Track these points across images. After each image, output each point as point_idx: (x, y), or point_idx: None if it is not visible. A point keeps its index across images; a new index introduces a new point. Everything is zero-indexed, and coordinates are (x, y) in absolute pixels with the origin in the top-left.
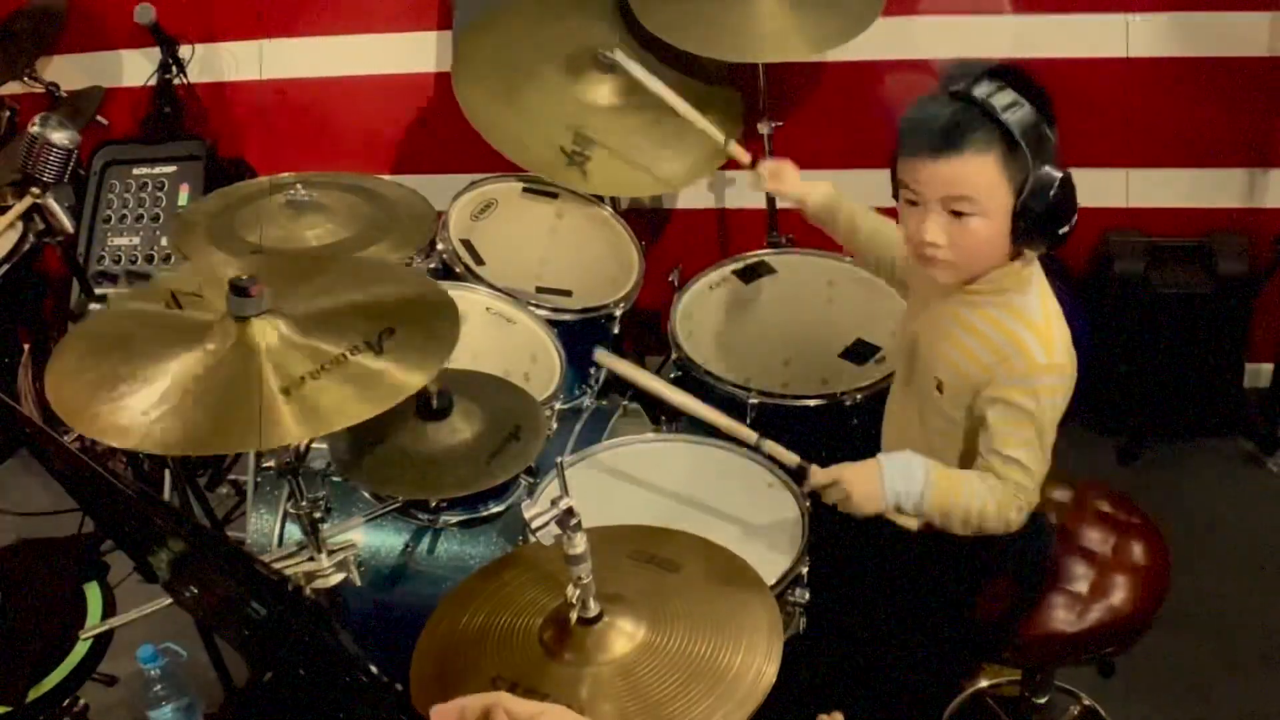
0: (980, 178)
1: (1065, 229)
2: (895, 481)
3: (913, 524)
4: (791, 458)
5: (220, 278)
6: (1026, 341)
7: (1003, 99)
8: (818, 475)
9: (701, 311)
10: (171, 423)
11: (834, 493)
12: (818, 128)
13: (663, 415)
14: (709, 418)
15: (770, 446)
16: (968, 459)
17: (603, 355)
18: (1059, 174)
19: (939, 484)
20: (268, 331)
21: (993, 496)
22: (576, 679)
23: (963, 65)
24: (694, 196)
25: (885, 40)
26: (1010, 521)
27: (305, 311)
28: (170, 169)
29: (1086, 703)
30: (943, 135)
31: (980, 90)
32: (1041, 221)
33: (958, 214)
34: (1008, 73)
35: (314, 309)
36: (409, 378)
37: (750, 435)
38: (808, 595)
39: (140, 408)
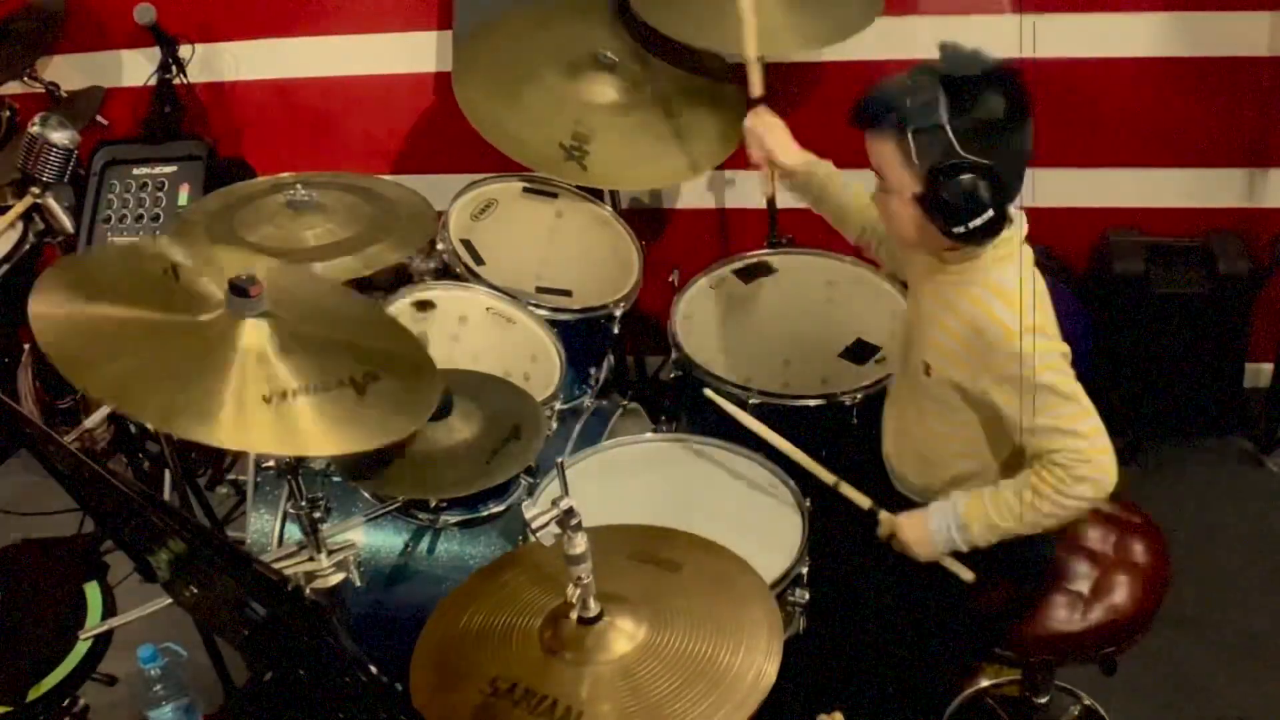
0: (882, 158)
1: (975, 223)
2: (936, 517)
3: (968, 575)
4: (865, 501)
5: (222, 268)
6: (995, 309)
7: (920, 96)
8: (882, 525)
9: (701, 311)
10: (139, 385)
11: (895, 541)
12: (818, 128)
13: (663, 415)
14: (792, 454)
15: (846, 489)
16: (972, 448)
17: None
18: (967, 171)
19: (970, 502)
20: (256, 336)
21: (1036, 481)
22: (577, 679)
23: (947, 51)
24: (694, 196)
25: (885, 40)
26: (1083, 480)
27: (298, 331)
28: (170, 169)
29: (1087, 702)
30: (859, 112)
31: (911, 80)
32: (938, 212)
33: (884, 189)
34: (988, 66)
35: (308, 332)
36: (383, 428)
37: (829, 477)
38: (808, 595)
39: (112, 359)
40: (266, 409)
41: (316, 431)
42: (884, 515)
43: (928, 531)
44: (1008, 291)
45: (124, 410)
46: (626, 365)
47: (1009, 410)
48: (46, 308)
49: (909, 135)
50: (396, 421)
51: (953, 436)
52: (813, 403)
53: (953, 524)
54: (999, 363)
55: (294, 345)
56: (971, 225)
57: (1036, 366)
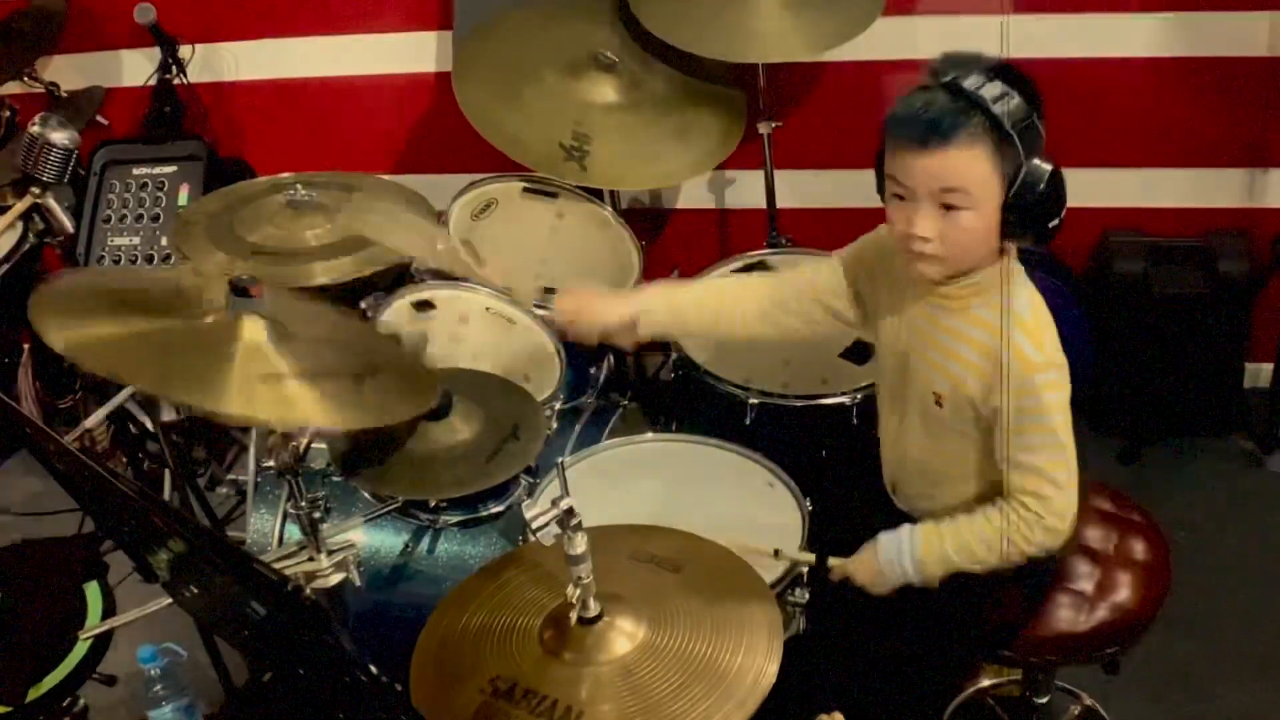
0: (971, 169)
1: (1054, 223)
2: (888, 552)
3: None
4: (809, 558)
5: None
6: (1019, 341)
7: (992, 90)
8: (834, 573)
9: None
10: (139, 357)
11: (852, 581)
12: (818, 128)
13: (663, 415)
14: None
15: (787, 553)
16: (989, 474)
17: None
18: (1049, 167)
19: (923, 539)
20: (256, 331)
21: (1000, 524)
22: (577, 679)
23: (951, 58)
24: (694, 196)
25: (885, 40)
26: (1049, 530)
27: (295, 332)
28: (170, 169)
29: (1087, 702)
30: (932, 126)
31: (970, 82)
32: (1031, 215)
33: (949, 207)
34: (995, 66)
35: (308, 333)
36: (383, 412)
37: (766, 550)
38: (808, 595)
39: (113, 339)
40: (271, 385)
41: (315, 407)
42: (834, 563)
43: (879, 567)
44: (1027, 323)
45: (142, 386)
46: (626, 365)
47: (1001, 438)
48: (50, 302)
49: (1013, 134)
50: (398, 407)
51: (965, 459)
52: (813, 403)
53: (907, 559)
54: (1012, 395)
55: (292, 341)
56: (1061, 219)
57: (1049, 403)
